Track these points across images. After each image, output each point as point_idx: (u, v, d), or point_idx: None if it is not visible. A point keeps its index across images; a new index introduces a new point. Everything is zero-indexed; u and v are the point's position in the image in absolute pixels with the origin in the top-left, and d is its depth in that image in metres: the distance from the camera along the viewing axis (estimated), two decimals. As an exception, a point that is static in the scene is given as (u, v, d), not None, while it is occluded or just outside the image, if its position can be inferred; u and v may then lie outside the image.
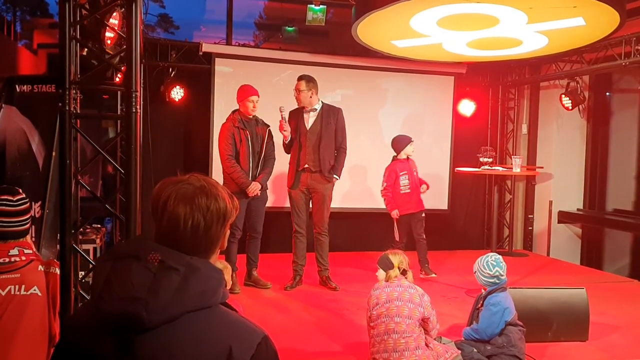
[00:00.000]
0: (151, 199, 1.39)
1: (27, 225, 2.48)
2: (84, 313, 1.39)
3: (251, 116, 5.56)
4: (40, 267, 2.42)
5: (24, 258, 2.39)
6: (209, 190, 1.36)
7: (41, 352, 2.39)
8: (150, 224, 1.40)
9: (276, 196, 7.10)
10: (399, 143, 6.31)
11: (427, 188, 6.34)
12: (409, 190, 6.22)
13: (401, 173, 6.26)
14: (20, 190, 2.53)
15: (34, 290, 2.35)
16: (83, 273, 2.79)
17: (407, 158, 6.29)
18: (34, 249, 2.53)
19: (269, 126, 5.67)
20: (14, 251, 2.38)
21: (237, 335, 1.30)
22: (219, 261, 3.36)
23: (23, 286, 2.33)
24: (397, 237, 6.21)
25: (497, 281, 3.86)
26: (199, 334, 1.27)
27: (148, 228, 1.47)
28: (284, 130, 5.58)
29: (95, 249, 6.08)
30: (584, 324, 4.47)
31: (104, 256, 1.39)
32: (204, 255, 1.36)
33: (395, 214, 6.18)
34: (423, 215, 6.28)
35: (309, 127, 5.69)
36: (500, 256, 3.97)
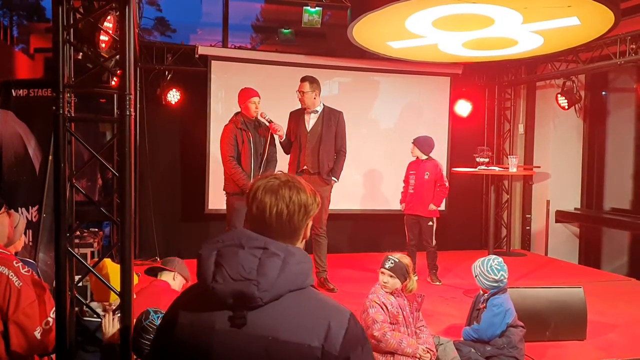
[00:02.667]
0: (246, 197, 1.60)
1: None
2: (193, 294, 1.57)
3: (253, 118, 5.57)
4: None
5: None
6: (292, 184, 1.57)
7: None
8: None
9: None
10: None
11: (435, 206, 6.18)
12: (412, 191, 6.22)
13: (410, 172, 6.29)
14: None
15: None
16: (79, 277, 2.78)
17: (428, 159, 6.20)
18: (2, 249, 2.52)
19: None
20: None
21: (332, 313, 1.49)
22: None
23: None
24: (407, 238, 6.28)
25: (500, 284, 3.86)
26: (300, 310, 1.46)
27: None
28: (278, 131, 5.58)
29: (92, 252, 6.07)
30: (581, 323, 4.48)
31: (207, 246, 1.54)
32: (289, 241, 1.56)
33: (402, 206, 6.32)
34: (430, 223, 6.14)
35: (310, 128, 5.69)
36: (501, 259, 3.96)
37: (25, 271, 2.52)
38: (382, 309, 3.46)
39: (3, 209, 2.67)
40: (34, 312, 2.44)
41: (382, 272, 3.59)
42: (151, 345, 1.71)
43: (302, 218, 1.57)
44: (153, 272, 3.51)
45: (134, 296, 3.23)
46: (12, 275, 2.42)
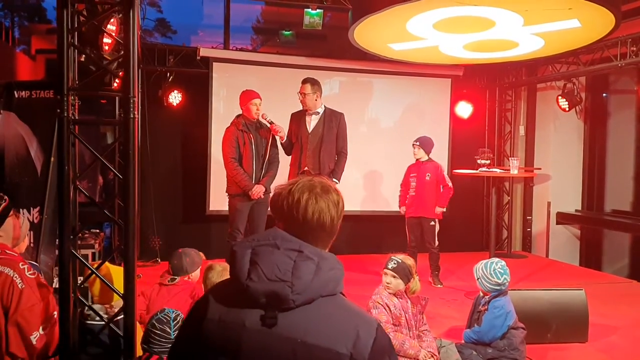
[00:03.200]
0: (280, 198, 1.55)
1: None
2: (225, 290, 1.56)
3: (255, 120, 5.58)
4: None
5: None
6: (331, 190, 1.57)
7: None
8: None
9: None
10: None
11: (441, 208, 6.18)
12: (414, 194, 6.23)
13: (411, 175, 6.29)
14: None
15: None
16: (81, 278, 2.78)
17: (428, 160, 6.22)
18: (9, 250, 2.53)
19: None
20: None
21: (361, 321, 1.48)
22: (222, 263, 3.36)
23: None
24: (408, 239, 6.29)
25: (502, 288, 3.86)
26: (330, 316, 1.46)
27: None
28: (279, 133, 5.59)
29: (93, 254, 6.08)
30: (583, 325, 4.48)
31: (242, 243, 1.53)
32: (322, 246, 1.56)
33: (402, 210, 6.33)
34: (432, 223, 6.16)
35: (311, 130, 5.70)
36: (504, 262, 3.94)
37: (30, 273, 2.52)
38: (385, 310, 3.47)
39: (12, 211, 2.67)
40: (33, 316, 2.44)
41: (384, 273, 3.59)
42: (177, 335, 1.70)
43: (338, 224, 1.58)
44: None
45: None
46: (16, 277, 2.42)
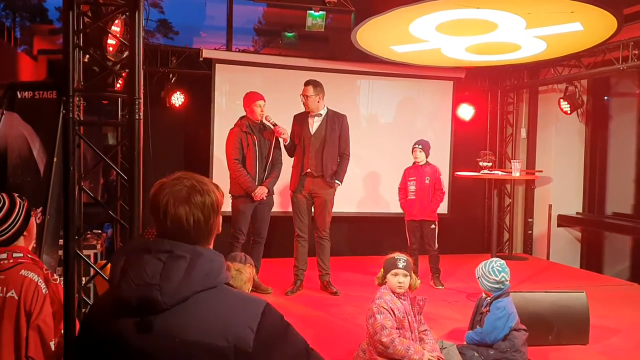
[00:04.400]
0: (150, 202, 1.57)
1: (11, 232, 2.48)
2: (105, 301, 1.55)
3: (259, 121, 5.60)
4: (23, 272, 2.42)
5: (11, 261, 2.43)
6: (200, 188, 1.54)
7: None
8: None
9: (278, 201, 7.11)
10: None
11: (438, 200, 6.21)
12: (414, 197, 6.23)
13: (409, 179, 6.29)
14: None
15: (12, 293, 2.38)
16: (85, 279, 2.79)
17: (426, 164, 6.23)
18: (30, 254, 2.53)
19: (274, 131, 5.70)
20: (3, 255, 2.44)
21: (243, 307, 1.46)
22: (244, 265, 3.27)
23: (4, 288, 2.39)
24: (409, 242, 6.30)
25: (502, 287, 3.88)
26: (210, 310, 1.43)
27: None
28: (282, 135, 5.61)
29: (96, 254, 6.09)
30: (584, 327, 4.48)
31: (119, 252, 1.56)
32: (205, 242, 1.54)
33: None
34: (432, 226, 6.17)
35: (313, 132, 5.71)
36: (504, 261, 3.97)
37: (53, 279, 2.52)
38: (390, 314, 3.47)
39: (33, 211, 2.66)
40: (53, 322, 2.44)
41: (395, 274, 3.54)
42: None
43: (216, 218, 1.56)
44: None
45: None
46: (40, 282, 2.42)
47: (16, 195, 2.57)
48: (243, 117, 5.67)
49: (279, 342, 1.46)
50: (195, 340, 1.40)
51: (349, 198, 7.69)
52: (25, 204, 2.56)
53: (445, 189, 6.33)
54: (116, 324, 1.45)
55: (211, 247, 1.57)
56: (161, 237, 1.51)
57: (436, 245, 6.19)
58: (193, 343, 1.40)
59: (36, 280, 2.40)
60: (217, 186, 1.60)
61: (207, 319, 1.42)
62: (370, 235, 8.07)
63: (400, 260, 3.57)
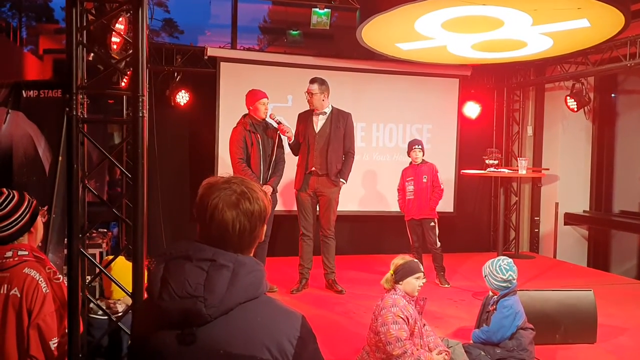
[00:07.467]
0: (197, 204, 1.52)
1: (15, 228, 2.48)
2: (145, 312, 1.53)
3: (262, 119, 5.58)
4: (26, 270, 2.41)
5: (16, 258, 2.43)
6: (250, 195, 1.50)
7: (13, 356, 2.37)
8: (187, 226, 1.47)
9: (282, 199, 7.11)
10: (407, 147, 6.32)
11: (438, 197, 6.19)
12: (412, 197, 6.21)
13: (407, 179, 6.27)
14: (4, 190, 2.52)
15: (15, 291, 2.38)
16: (90, 277, 2.79)
17: (423, 162, 6.21)
18: (36, 253, 2.53)
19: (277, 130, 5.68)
20: (9, 253, 2.44)
21: (284, 320, 1.46)
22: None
23: (8, 286, 2.39)
24: (410, 241, 6.27)
25: (509, 285, 3.85)
26: (251, 322, 1.42)
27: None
28: (286, 133, 5.59)
29: (101, 253, 6.10)
30: (592, 326, 4.46)
31: (157, 258, 1.50)
32: (247, 251, 1.52)
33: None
34: (432, 224, 6.15)
35: (318, 130, 5.69)
36: (511, 260, 3.94)
37: (55, 278, 2.51)
38: (405, 323, 3.36)
39: (40, 210, 2.66)
40: (54, 322, 2.44)
41: (418, 277, 3.47)
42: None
43: (261, 227, 1.54)
44: None
45: None
46: (41, 281, 2.42)
47: (26, 193, 2.57)
48: (246, 115, 5.64)
49: (312, 355, 1.47)
50: (238, 352, 1.39)
51: (354, 196, 7.67)
52: (34, 202, 2.56)
53: (444, 186, 6.31)
54: (157, 335, 1.43)
55: (252, 255, 1.54)
56: (203, 241, 1.48)
57: (438, 243, 6.17)
58: (236, 355, 1.38)
59: (37, 278, 2.40)
60: (265, 194, 1.56)
61: (250, 331, 1.41)
62: (373, 234, 8.06)
63: (418, 263, 3.56)
